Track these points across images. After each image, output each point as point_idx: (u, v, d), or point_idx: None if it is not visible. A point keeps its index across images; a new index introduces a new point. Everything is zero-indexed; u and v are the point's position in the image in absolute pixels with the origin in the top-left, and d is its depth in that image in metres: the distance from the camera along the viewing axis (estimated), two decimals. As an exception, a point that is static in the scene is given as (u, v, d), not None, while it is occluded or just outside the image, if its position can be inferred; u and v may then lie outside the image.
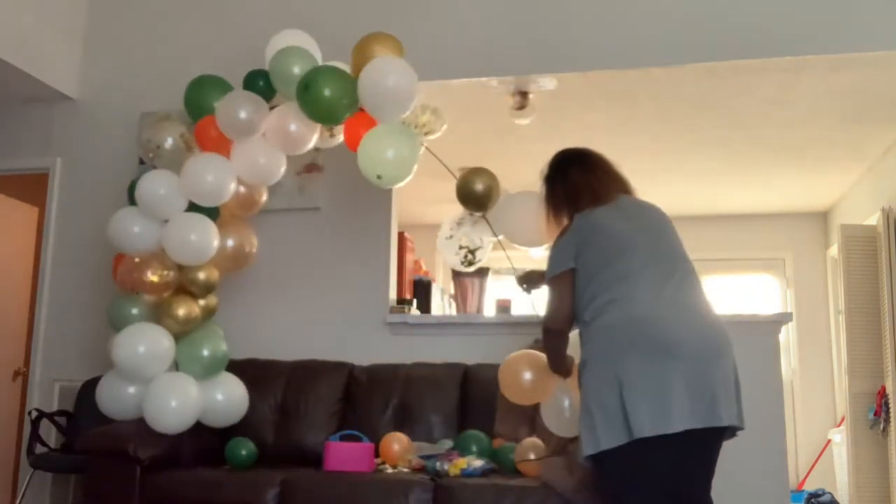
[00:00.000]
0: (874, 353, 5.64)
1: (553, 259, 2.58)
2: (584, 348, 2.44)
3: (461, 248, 3.44)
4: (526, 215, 3.12)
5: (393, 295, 4.28)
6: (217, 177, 3.44)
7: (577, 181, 2.65)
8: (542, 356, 2.88)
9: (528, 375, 2.91)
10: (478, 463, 3.17)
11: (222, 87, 3.61)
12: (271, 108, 3.52)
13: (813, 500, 6.31)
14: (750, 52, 4.04)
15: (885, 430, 5.41)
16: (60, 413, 4.16)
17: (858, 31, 3.96)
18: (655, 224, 2.57)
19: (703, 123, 5.25)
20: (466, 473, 3.12)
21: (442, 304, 6.08)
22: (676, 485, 2.34)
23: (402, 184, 3.38)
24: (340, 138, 3.59)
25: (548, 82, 4.47)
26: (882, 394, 5.48)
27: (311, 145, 3.54)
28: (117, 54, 4.77)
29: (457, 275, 6.36)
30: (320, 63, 3.43)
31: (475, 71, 4.32)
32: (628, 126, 5.29)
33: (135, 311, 3.55)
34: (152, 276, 3.44)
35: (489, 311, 6.87)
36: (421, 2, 4.43)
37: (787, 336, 7.37)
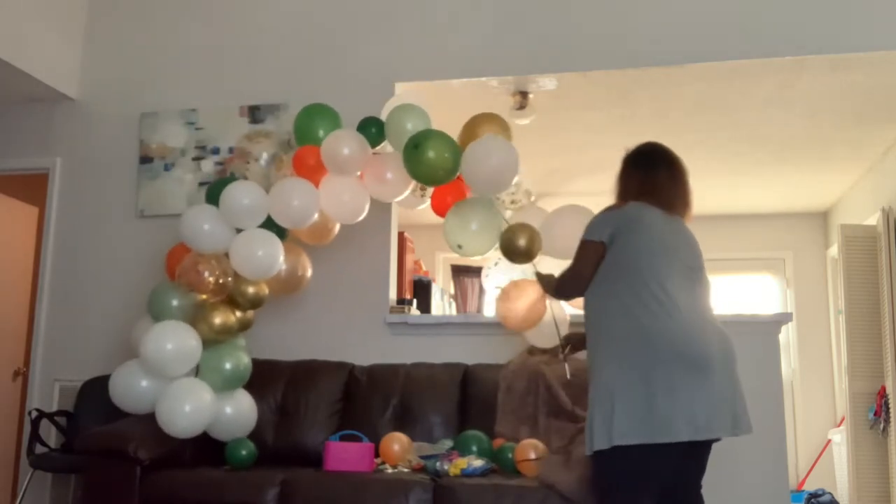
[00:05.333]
0: (874, 353, 5.63)
1: (592, 225, 2.65)
2: (613, 341, 2.47)
3: (496, 287, 3.65)
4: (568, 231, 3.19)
5: (393, 295, 4.28)
6: (303, 203, 3.55)
7: (659, 183, 2.69)
8: (532, 288, 3.32)
9: (521, 305, 3.36)
10: (478, 463, 3.16)
11: (331, 117, 3.75)
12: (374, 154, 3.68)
13: (813, 500, 6.31)
14: (750, 52, 4.04)
15: (885, 430, 5.41)
16: (60, 413, 4.16)
17: (858, 31, 3.96)
18: (692, 240, 2.69)
19: (703, 123, 5.25)
20: (466, 473, 3.12)
21: (442, 304, 6.09)
22: (674, 487, 2.49)
23: (479, 257, 3.58)
24: (428, 202, 3.78)
25: (548, 82, 4.48)
26: (882, 394, 5.48)
27: (401, 197, 3.70)
28: (117, 54, 4.77)
29: (457, 275, 6.35)
30: (432, 122, 3.62)
31: (475, 71, 4.32)
32: (628, 126, 5.29)
33: (175, 302, 3.59)
34: (210, 277, 3.46)
35: (489, 311, 6.88)
36: (421, 2, 4.43)
37: (787, 336, 7.37)
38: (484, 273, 3.72)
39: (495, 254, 3.57)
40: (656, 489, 2.42)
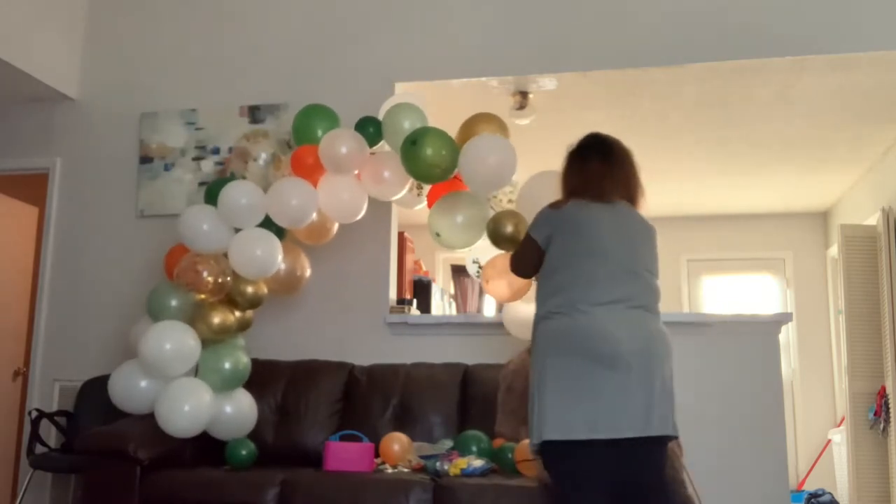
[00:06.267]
0: (874, 353, 5.64)
1: (534, 221, 2.70)
2: (538, 342, 2.54)
3: (474, 262, 3.67)
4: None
5: (393, 295, 4.28)
6: (301, 202, 3.54)
7: (593, 174, 2.67)
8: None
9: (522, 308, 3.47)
10: (478, 463, 3.17)
11: (330, 118, 3.74)
12: (372, 153, 3.68)
13: (813, 500, 6.31)
14: (750, 52, 4.04)
15: (885, 430, 5.41)
16: (60, 413, 4.16)
17: (858, 31, 3.96)
18: (635, 237, 2.63)
19: (703, 123, 5.25)
20: (466, 473, 3.12)
21: (442, 304, 6.09)
22: (626, 487, 2.46)
23: (461, 249, 3.61)
24: (425, 201, 3.78)
25: (548, 82, 4.48)
26: (882, 394, 5.48)
27: (398, 196, 3.70)
28: (117, 54, 4.77)
29: (457, 275, 6.33)
30: (429, 121, 3.62)
31: (475, 71, 4.32)
32: (628, 126, 5.29)
33: (174, 303, 3.59)
34: (209, 277, 3.45)
35: (489, 311, 6.88)
36: (421, 2, 4.43)
37: (787, 336, 7.37)
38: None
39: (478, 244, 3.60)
40: (594, 486, 2.40)
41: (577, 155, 2.75)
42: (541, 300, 2.59)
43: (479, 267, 3.66)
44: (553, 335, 2.47)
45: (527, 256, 2.71)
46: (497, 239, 3.42)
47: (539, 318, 2.56)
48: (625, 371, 2.37)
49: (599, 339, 2.39)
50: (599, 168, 2.67)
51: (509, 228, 3.37)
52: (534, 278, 2.82)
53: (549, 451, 2.43)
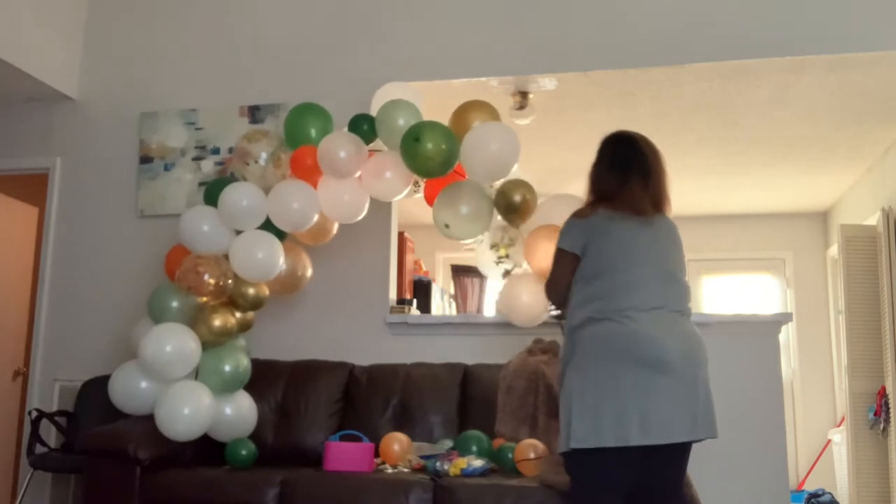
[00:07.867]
0: (874, 353, 5.64)
1: (564, 234, 2.65)
2: (580, 346, 2.51)
3: (447, 226, 3.52)
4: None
5: (393, 295, 4.28)
6: (302, 206, 3.52)
7: (633, 193, 2.60)
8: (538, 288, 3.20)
9: (525, 299, 3.38)
10: (478, 463, 3.17)
11: (322, 116, 3.72)
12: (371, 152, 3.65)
13: (813, 500, 6.31)
14: (750, 52, 4.04)
15: (885, 430, 5.41)
16: (60, 413, 4.16)
17: (858, 31, 3.96)
18: (664, 240, 2.63)
19: (703, 123, 5.24)
20: (466, 473, 3.12)
21: (442, 304, 6.09)
22: (646, 489, 2.49)
23: (468, 241, 3.53)
24: (422, 194, 3.75)
25: (548, 82, 4.48)
26: (882, 394, 5.48)
27: (400, 196, 3.67)
28: (117, 54, 4.77)
29: (457, 275, 6.33)
30: (423, 117, 3.57)
31: (475, 71, 4.33)
32: (628, 126, 5.20)
33: (175, 304, 3.58)
34: (210, 279, 3.44)
35: (489, 311, 6.87)
36: (422, 2, 4.43)
37: (787, 336, 7.37)
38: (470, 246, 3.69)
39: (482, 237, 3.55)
40: (620, 490, 2.45)
41: (618, 165, 2.66)
42: (579, 305, 2.55)
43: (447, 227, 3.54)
44: (600, 340, 2.45)
45: (564, 273, 2.63)
46: (507, 208, 3.34)
47: (579, 322, 2.52)
48: (672, 375, 2.39)
49: (648, 345, 2.40)
50: (640, 190, 2.61)
51: (517, 197, 3.32)
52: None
53: (597, 457, 2.40)
